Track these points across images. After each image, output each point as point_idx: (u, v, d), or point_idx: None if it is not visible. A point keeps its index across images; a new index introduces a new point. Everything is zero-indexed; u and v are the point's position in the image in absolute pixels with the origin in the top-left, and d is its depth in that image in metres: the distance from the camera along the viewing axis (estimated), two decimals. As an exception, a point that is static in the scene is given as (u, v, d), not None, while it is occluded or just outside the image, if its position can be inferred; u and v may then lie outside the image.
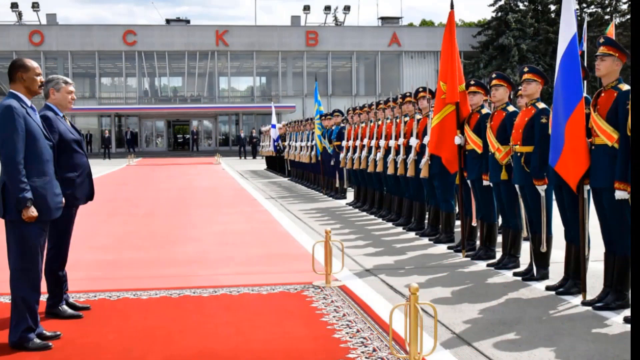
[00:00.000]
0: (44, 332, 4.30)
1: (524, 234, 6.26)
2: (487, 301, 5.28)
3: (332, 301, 5.23)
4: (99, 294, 5.56)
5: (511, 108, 6.41)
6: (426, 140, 8.10)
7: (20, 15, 46.78)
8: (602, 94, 4.89)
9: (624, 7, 46.05)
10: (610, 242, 4.97)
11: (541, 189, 5.69)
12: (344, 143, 12.15)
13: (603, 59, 4.87)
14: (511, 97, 6.72)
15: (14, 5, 46.26)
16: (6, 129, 4.06)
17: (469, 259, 6.97)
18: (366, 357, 3.91)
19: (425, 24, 67.11)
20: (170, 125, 49.01)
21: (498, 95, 6.41)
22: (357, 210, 11.43)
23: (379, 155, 9.83)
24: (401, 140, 8.97)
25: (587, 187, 5.06)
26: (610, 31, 17.00)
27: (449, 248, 7.59)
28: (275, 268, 6.69)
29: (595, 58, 4.95)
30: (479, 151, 6.68)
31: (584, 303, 5.08)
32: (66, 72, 43.78)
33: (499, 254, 6.75)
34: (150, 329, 4.58)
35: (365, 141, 10.55)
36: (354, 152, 11.25)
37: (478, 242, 7.19)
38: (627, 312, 4.67)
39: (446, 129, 7.13)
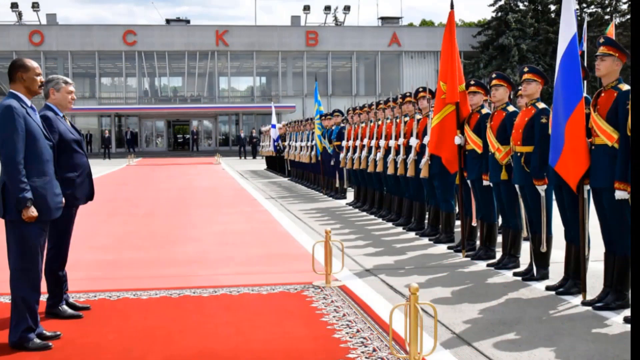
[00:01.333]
0: (44, 332, 4.30)
1: (524, 234, 6.26)
2: (487, 301, 5.28)
3: (332, 301, 5.23)
4: (99, 294, 5.56)
5: (511, 108, 6.41)
6: (426, 140, 8.10)
7: (20, 15, 46.79)
8: (602, 94, 4.89)
9: (624, 7, 46.05)
10: (610, 242, 4.97)
11: (541, 189, 5.69)
12: (344, 143, 12.15)
13: (603, 59, 4.87)
14: (511, 97, 6.72)
15: (14, 5, 46.25)
16: (6, 129, 4.06)
17: (469, 259, 6.97)
18: (366, 357, 3.91)
19: (425, 24, 67.11)
20: (170, 125, 49.01)
21: (498, 95, 6.41)
22: (357, 210, 11.43)
23: (379, 155, 9.83)
24: (401, 140, 8.97)
25: (587, 187, 5.06)
26: (610, 31, 16.99)
27: (449, 248, 7.59)
28: (275, 268, 6.69)
29: (595, 58, 4.95)
30: (479, 151, 6.68)
31: (584, 303, 5.08)
32: (66, 72, 43.78)
33: (499, 254, 6.75)
34: (150, 329, 4.58)
35: (365, 141, 10.55)
36: (354, 152, 11.25)
37: (478, 242, 7.19)
38: (627, 312, 4.67)
39: (446, 129, 7.13)
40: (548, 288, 5.57)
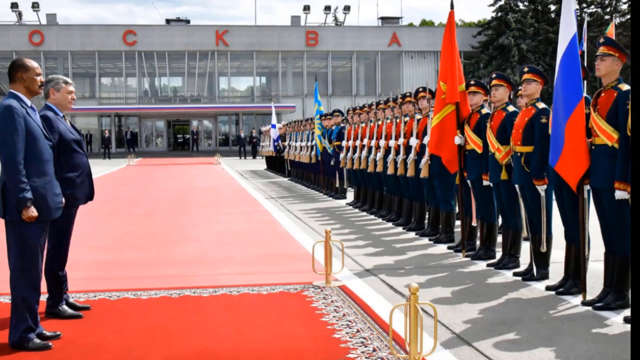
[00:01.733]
0: (44, 332, 4.30)
1: (524, 234, 6.26)
2: (487, 301, 5.28)
3: (332, 301, 5.23)
4: (99, 294, 5.56)
5: (511, 108, 6.41)
6: (426, 140, 8.10)
7: (20, 15, 46.80)
8: (602, 94, 4.90)
9: (624, 7, 46.06)
10: (610, 242, 4.97)
11: (541, 189, 5.69)
12: (344, 143, 12.15)
13: (603, 59, 4.88)
14: (511, 97, 6.72)
15: (14, 5, 46.26)
16: (6, 129, 4.06)
17: (469, 259, 6.97)
18: (366, 357, 3.91)
19: (425, 24, 67.10)
20: (170, 125, 49.01)
21: (498, 95, 6.41)
22: (357, 210, 11.43)
23: (379, 155, 9.83)
24: (401, 140, 8.98)
25: (587, 187, 5.06)
26: (610, 31, 16.99)
27: (449, 248, 7.59)
28: (275, 268, 6.69)
29: (595, 58, 4.95)
30: (479, 151, 6.68)
31: (584, 303, 5.08)
32: (66, 72, 43.78)
33: (499, 254, 6.75)
34: (150, 329, 4.58)
35: (365, 141, 10.56)
36: (354, 152, 11.26)
37: (478, 242, 7.19)
38: (627, 312, 4.67)
39: (446, 129, 7.13)
40: (548, 288, 5.57)
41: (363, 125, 11.02)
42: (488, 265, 6.57)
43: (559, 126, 5.09)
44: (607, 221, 4.95)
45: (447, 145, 7.17)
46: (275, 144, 22.14)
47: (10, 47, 43.40)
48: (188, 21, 49.77)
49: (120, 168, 27.83)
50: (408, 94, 9.16)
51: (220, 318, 4.85)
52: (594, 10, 46.49)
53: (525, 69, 5.90)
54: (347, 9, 49.55)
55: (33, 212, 4.08)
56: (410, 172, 8.66)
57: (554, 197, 5.69)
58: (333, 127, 13.45)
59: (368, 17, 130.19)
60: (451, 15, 7.14)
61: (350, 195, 13.23)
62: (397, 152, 9.16)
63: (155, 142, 49.03)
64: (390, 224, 9.61)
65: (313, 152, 15.41)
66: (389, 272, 6.41)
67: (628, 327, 4.39)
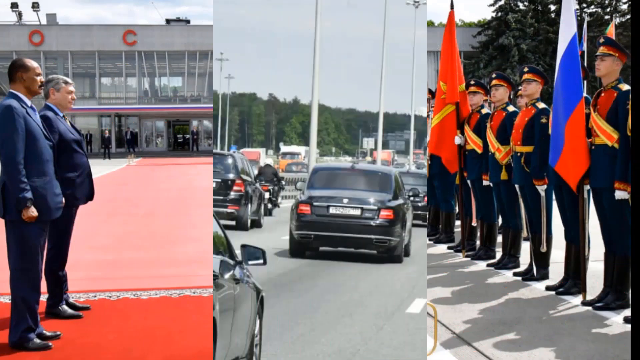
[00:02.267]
0: (44, 332, 4.29)
1: (524, 234, 6.26)
2: (487, 301, 5.28)
3: (332, 301, 5.23)
4: (99, 294, 5.56)
5: (511, 108, 6.41)
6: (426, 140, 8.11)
7: (20, 15, 46.78)
8: (602, 94, 4.89)
9: (624, 7, 46.03)
10: (610, 242, 4.97)
11: (541, 189, 5.68)
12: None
13: (603, 59, 4.88)
14: (511, 97, 6.73)
15: (14, 5, 46.23)
16: (6, 129, 4.06)
17: (469, 259, 6.97)
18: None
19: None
20: (170, 125, 48.99)
21: (498, 95, 6.41)
22: (357, 210, 11.41)
23: (379, 155, 9.83)
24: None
25: (587, 187, 5.06)
26: (610, 31, 16.98)
27: (449, 248, 7.59)
28: (275, 268, 6.69)
29: (595, 58, 4.95)
30: (479, 151, 6.69)
31: (584, 303, 5.07)
32: (66, 72, 43.72)
33: (499, 254, 6.75)
34: (150, 329, 4.58)
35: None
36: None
37: (478, 242, 7.19)
38: (627, 312, 4.66)
39: (446, 129, 7.13)
40: (548, 288, 5.57)
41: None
42: (488, 265, 6.57)
43: (559, 126, 5.08)
44: (607, 221, 4.95)
45: (447, 145, 7.17)
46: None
47: (10, 47, 43.35)
48: (188, 21, 49.73)
49: (120, 168, 27.81)
50: (408, 94, 9.16)
51: (220, 318, 4.84)
52: (594, 10, 46.45)
53: (525, 69, 5.90)
54: (347, 9, 49.53)
55: (33, 212, 4.07)
56: (410, 172, 8.65)
57: (554, 197, 5.69)
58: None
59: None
60: (451, 15, 7.14)
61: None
62: (397, 152, 9.17)
63: (155, 142, 49.01)
64: (390, 224, 9.59)
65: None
66: (389, 272, 6.40)
67: (628, 327, 4.38)
